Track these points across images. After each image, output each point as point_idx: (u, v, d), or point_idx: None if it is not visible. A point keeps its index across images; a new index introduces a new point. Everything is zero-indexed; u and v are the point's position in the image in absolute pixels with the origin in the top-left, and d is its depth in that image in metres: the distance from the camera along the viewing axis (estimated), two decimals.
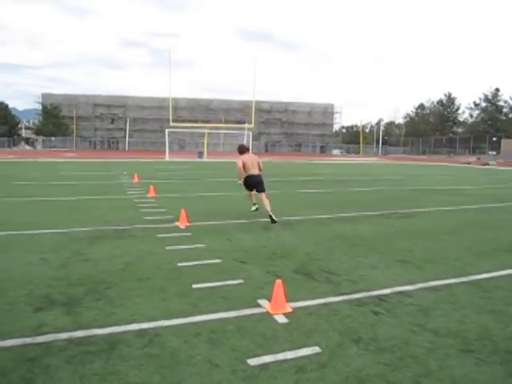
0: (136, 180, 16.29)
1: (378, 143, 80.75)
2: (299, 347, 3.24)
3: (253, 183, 8.72)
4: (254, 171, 8.72)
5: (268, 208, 8.33)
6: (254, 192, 8.87)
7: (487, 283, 4.92)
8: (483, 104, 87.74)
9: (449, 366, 3.04)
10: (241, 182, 8.78)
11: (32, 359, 2.99)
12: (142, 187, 13.97)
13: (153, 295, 4.26)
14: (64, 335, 3.35)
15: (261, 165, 8.98)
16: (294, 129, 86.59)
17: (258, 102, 62.65)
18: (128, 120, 75.63)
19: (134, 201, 10.86)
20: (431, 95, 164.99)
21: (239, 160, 8.73)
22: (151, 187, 12.38)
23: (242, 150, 9.13)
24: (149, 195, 11.87)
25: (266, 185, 8.81)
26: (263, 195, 8.54)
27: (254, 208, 8.99)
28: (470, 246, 6.77)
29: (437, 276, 5.12)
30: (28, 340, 3.26)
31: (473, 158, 59.13)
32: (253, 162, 8.81)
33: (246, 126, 45.18)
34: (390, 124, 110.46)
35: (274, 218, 8.18)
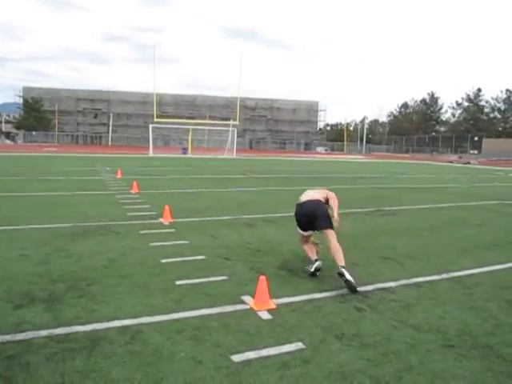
0: (119, 176, 16.11)
1: (362, 141, 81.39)
2: (283, 343, 3.25)
3: (304, 216, 5.06)
4: (308, 198, 5.21)
5: (337, 256, 4.66)
6: (311, 236, 5.22)
7: (468, 280, 5.00)
8: (465, 104, 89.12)
9: (430, 361, 3.08)
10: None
11: (11, 357, 2.94)
12: (125, 183, 13.83)
13: (135, 292, 4.23)
14: (44, 332, 3.30)
15: (331, 195, 5.34)
16: (278, 126, 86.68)
17: (243, 99, 62.58)
18: (111, 115, 74.77)
19: (117, 197, 10.75)
20: (415, 94, 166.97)
21: None
22: (135, 183, 12.27)
23: None
24: (132, 191, 11.76)
25: (331, 221, 4.96)
26: (328, 234, 4.83)
27: (312, 268, 4.88)
28: (451, 243, 6.87)
29: (419, 273, 5.18)
30: (7, 337, 3.20)
31: (455, 157, 60.04)
32: (314, 195, 5.28)
33: (231, 122, 45.09)
34: (374, 122, 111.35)
35: (347, 276, 4.41)
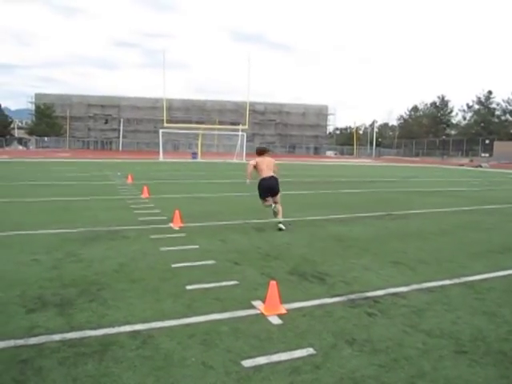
0: (130, 181, 16.22)
1: (371, 145, 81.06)
2: (293, 349, 3.24)
3: (265, 187, 7.98)
4: (268, 174, 7.98)
5: (279, 212, 7.87)
6: (269, 199, 8.05)
7: (480, 284, 4.94)
8: (476, 106, 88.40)
9: (442, 368, 3.05)
10: (248, 182, 8.24)
11: (24, 361, 2.96)
12: (135, 188, 13.91)
13: (146, 296, 4.24)
14: (57, 337, 3.32)
15: (276, 169, 8.27)
16: (287, 130, 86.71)
17: (252, 104, 62.68)
18: (122, 120, 75.36)
19: (128, 201, 10.81)
20: (425, 97, 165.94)
21: (253, 160, 8.31)
22: (145, 188, 12.34)
23: (259, 151, 8.49)
24: (142, 196, 11.83)
25: (280, 189, 8.10)
26: (278, 197, 8.03)
27: (281, 225, 7.80)
28: (463, 247, 6.81)
29: (430, 277, 5.14)
30: (20, 342, 3.23)
31: (466, 160, 59.54)
32: (268, 165, 8.10)
33: (240, 127, 45.18)
34: (384, 126, 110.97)
35: (281, 227, 7.66)
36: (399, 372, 2.97)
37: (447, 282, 5.00)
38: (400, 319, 3.87)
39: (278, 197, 8.06)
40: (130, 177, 16.81)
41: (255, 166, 8.13)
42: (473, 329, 3.71)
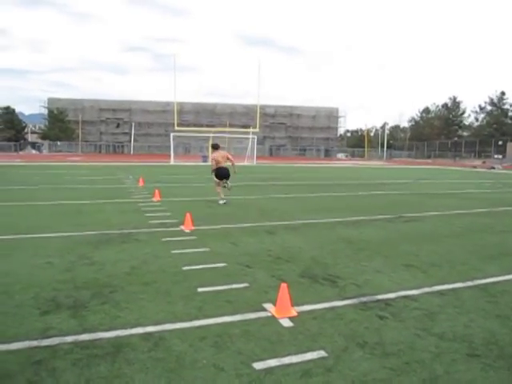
0: (141, 184, 16.34)
1: (382, 147, 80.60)
2: (305, 351, 3.24)
3: (222, 173, 11.68)
4: (223, 164, 11.69)
5: (229, 190, 12.00)
6: (221, 187, 11.82)
7: (493, 287, 4.89)
8: (488, 107, 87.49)
9: (455, 371, 3.02)
10: (212, 174, 11.66)
11: (38, 362, 3.01)
12: (147, 191, 14.01)
13: (158, 299, 4.27)
14: (70, 338, 3.36)
15: (230, 157, 12.01)
16: (298, 133, 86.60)
17: (262, 107, 62.79)
18: (133, 124, 75.89)
19: (139, 205, 10.90)
20: (436, 99, 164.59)
21: (211, 157, 12.01)
22: (156, 191, 12.42)
23: (214, 147, 12.19)
24: (154, 199, 11.90)
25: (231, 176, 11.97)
26: (228, 180, 11.87)
27: (222, 202, 11.44)
28: (475, 249, 6.74)
29: (442, 280, 5.10)
30: (34, 343, 3.27)
31: (478, 162, 58.91)
32: (222, 157, 11.72)
33: (251, 130, 45.24)
34: (395, 128, 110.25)
35: (228, 185, 11.89)
36: (411, 375, 2.95)
37: (460, 284, 4.96)
38: (412, 322, 3.85)
39: (229, 179, 11.93)
40: (141, 180, 16.93)
41: (214, 159, 11.62)
42: (486, 332, 3.68)
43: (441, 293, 4.67)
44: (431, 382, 2.87)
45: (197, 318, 3.82)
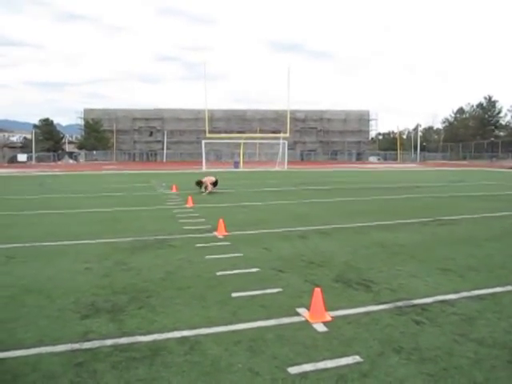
0: (174, 191, 16.62)
1: (415, 149, 79.01)
2: (339, 356, 3.23)
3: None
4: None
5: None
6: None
7: None
8: None
9: (495, 378, 2.95)
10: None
11: (80, 364, 3.12)
12: (180, 198, 14.24)
13: (193, 303, 4.35)
14: (109, 342, 3.47)
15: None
16: (329, 137, 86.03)
17: (292, 111, 62.71)
18: (165, 132, 77.26)
19: (173, 211, 11.09)
20: (470, 99, 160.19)
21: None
22: (189, 198, 12.61)
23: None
24: (187, 205, 12.09)
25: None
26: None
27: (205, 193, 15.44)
28: None
29: (481, 284, 4.97)
30: (76, 346, 3.39)
31: None
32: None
33: (282, 135, 45.27)
34: (428, 129, 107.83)
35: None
36: (449, 382, 2.90)
37: (499, 289, 4.82)
38: (449, 327, 3.77)
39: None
40: (174, 187, 17.21)
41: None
42: None
43: (479, 297, 4.55)
44: None
45: (231, 322, 3.87)
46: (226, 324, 3.82)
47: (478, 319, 3.96)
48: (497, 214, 10.61)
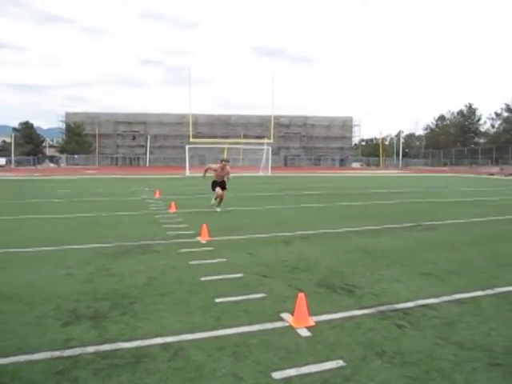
0: (157, 196, 16.51)
1: (398, 155, 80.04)
2: (323, 360, 3.24)
3: (218, 186, 12.10)
4: (221, 180, 12.27)
5: (221, 202, 12.22)
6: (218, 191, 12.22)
7: None
8: (505, 114, 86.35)
9: (476, 380, 2.99)
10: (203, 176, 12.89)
11: (61, 372, 3.06)
12: (163, 203, 14.15)
13: (176, 309, 4.32)
14: (91, 349, 3.42)
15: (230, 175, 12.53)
16: (313, 142, 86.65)
17: (276, 117, 63.01)
18: (148, 137, 76.82)
19: (156, 216, 11.01)
20: (451, 106, 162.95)
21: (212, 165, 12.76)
22: (172, 203, 12.54)
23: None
24: (170, 210, 12.02)
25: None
26: (224, 191, 12.20)
27: (213, 201, 12.27)
28: (495, 257, 6.66)
29: (461, 288, 5.05)
30: (57, 353, 3.34)
31: (496, 169, 58.00)
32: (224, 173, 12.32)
33: (266, 140, 45.41)
34: (410, 136, 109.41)
35: (217, 209, 12.00)
36: None
37: (479, 293, 4.91)
38: (431, 331, 3.82)
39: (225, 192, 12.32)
40: (157, 192, 17.10)
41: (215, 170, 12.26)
42: (507, 341, 3.63)
43: (460, 301, 4.63)
44: None
45: (215, 328, 3.85)
46: (209, 330, 3.81)
47: (458, 323, 4.02)
48: (477, 220, 10.80)
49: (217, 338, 3.65)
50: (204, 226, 8.13)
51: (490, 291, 4.96)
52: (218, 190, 11.87)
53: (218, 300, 4.57)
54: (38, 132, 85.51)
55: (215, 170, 12.15)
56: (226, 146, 48.10)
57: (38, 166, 65.53)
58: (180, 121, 78.27)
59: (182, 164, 49.08)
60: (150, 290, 4.91)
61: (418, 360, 3.28)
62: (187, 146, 43.22)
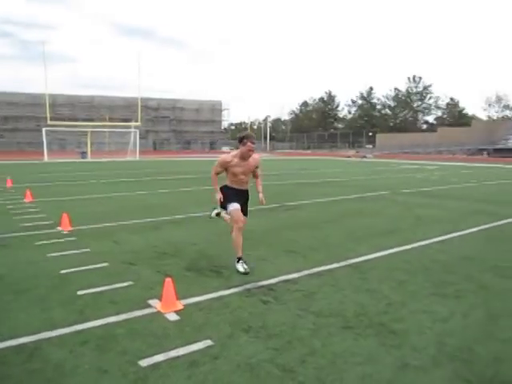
0: (9, 185, 14.87)
1: (265, 139, 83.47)
2: (191, 342, 3.26)
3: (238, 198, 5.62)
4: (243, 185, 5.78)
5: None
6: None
7: (364, 265, 5.39)
8: (360, 101, 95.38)
9: (331, 343, 3.28)
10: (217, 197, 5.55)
11: None
12: (16, 192, 12.81)
13: (32, 307, 3.96)
14: None
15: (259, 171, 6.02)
16: (182, 126, 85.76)
17: (144, 100, 60.96)
18: None
19: (8, 207, 9.93)
20: (314, 93, 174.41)
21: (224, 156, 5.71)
22: (28, 191, 11.41)
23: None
24: (25, 200, 10.92)
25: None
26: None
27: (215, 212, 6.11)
28: (349, 232, 7.35)
29: (320, 262, 5.48)
30: None
31: (352, 152, 64.01)
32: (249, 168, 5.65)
33: (133, 123, 43.74)
34: (277, 120, 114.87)
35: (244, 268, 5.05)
36: (292, 352, 3.14)
37: (335, 265, 5.37)
38: (293, 304, 4.08)
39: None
40: (9, 180, 15.41)
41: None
42: (357, 306, 4.05)
43: (319, 274, 5.02)
44: (310, 356, 3.08)
45: (77, 322, 3.62)
46: (70, 325, 3.57)
47: (317, 294, 4.36)
48: (333, 199, 11.80)
49: (79, 332, 3.44)
50: (64, 214, 7.55)
51: (344, 263, 5.47)
52: (239, 213, 5.45)
53: (80, 293, 4.30)
54: None
55: (232, 167, 5.55)
56: (90, 129, 45.17)
57: None
58: (35, 101, 71.05)
59: (40, 149, 44.90)
60: (1, 289, 4.43)
61: (281, 332, 3.48)
62: (44, 129, 39.56)
